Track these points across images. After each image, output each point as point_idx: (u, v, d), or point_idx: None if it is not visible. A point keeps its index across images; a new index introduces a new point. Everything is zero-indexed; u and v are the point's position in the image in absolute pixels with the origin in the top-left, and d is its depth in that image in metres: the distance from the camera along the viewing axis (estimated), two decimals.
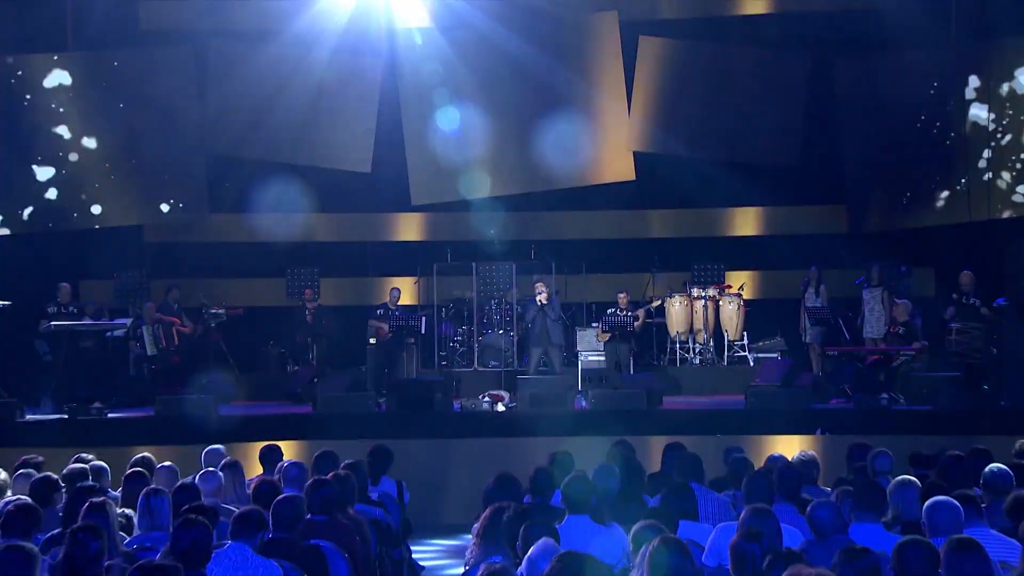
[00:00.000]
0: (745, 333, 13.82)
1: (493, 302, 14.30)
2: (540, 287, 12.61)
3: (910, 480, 5.65)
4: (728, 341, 13.76)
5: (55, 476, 6.33)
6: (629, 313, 12.84)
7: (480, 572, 4.15)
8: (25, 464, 7.02)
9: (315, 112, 14.16)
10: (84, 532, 4.41)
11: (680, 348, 13.84)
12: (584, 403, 11.48)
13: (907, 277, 13.25)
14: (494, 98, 14.27)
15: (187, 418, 10.67)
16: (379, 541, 6.09)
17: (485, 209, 14.74)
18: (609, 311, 13.02)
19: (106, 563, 4.38)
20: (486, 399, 11.34)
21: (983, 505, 5.34)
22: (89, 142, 13.69)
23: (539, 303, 12.46)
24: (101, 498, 5.14)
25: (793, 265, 14.35)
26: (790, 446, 9.40)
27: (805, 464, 6.57)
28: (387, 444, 7.28)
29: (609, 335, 12.86)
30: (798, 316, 13.33)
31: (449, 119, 14.16)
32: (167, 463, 6.94)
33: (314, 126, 14.19)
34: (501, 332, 13.99)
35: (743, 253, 15.09)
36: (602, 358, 13.15)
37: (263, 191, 14.55)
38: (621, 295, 13.07)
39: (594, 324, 13.57)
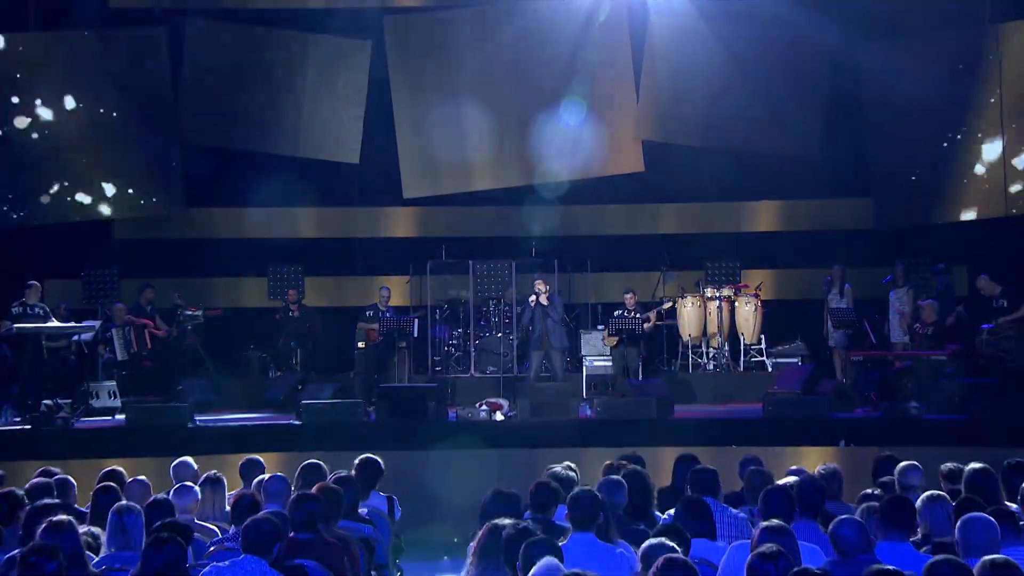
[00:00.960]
0: (763, 336, 13.82)
1: (491, 303, 14.30)
2: (539, 285, 12.56)
3: (941, 495, 5.63)
4: (744, 345, 13.74)
5: (20, 492, 6.31)
6: (637, 315, 12.82)
7: None
8: None
9: (299, 98, 14.17)
10: (37, 554, 4.36)
11: (693, 353, 13.83)
12: (589, 412, 11.47)
13: (944, 275, 13.18)
14: (491, 84, 14.26)
15: (161, 428, 10.65)
16: (368, 560, 6.08)
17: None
18: (616, 313, 13.01)
19: None
20: (483, 407, 11.32)
21: (1021, 523, 5.32)
22: (53, 131, 13.67)
23: (532, 303, 12.42)
24: (62, 516, 5.10)
25: (815, 263, 14.34)
26: (811, 458, 9.38)
27: (828, 478, 6.55)
28: (376, 456, 7.26)
29: (616, 339, 12.84)
30: (820, 318, 13.33)
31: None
32: (139, 477, 6.91)
33: (298, 113, 14.19)
34: (500, 335, 13.98)
35: (761, 250, 15.08)
36: (608, 363, 13.14)
37: (243, 183, 14.55)
38: (628, 295, 13.05)
39: (600, 327, 13.56)
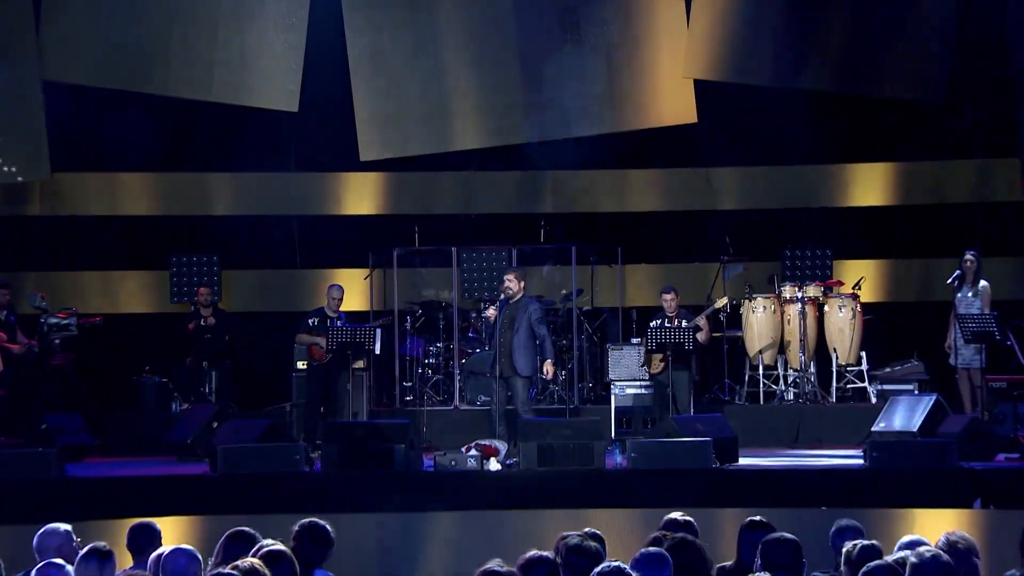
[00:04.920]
0: (864, 354, 13.81)
1: (483, 306, 14.27)
2: (510, 283, 12.43)
3: None
4: (838, 366, 13.74)
5: None
6: (683, 323, 12.80)
7: None
8: None
9: (214, 23, 14.13)
10: None
11: (765, 376, 13.82)
12: (620, 459, 11.46)
13: None
14: (485, 4, 14.24)
15: (18, 483, 10.63)
16: None
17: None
18: (654, 322, 12.96)
19: None
20: (472, 453, 11.31)
21: None
22: None
23: (490, 315, 12.40)
24: None
25: (937, 251, 14.34)
26: (934, 525, 9.36)
27: (958, 552, 6.53)
28: (323, 521, 7.25)
29: (662, 358, 12.82)
30: (945, 328, 13.30)
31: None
32: None
33: (212, 41, 14.14)
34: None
35: (861, 233, 15.06)
36: (647, 391, 13.13)
37: (134, 138, 14.51)
38: (667, 296, 13.02)
39: (634, 340, 13.53)
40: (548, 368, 12.25)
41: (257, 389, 14.03)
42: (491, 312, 12.46)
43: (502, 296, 12.35)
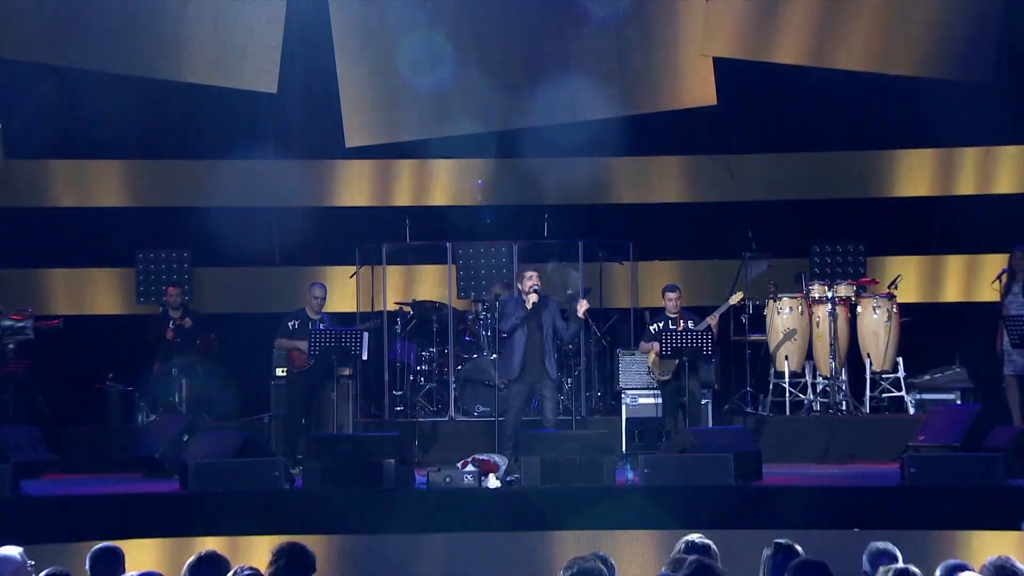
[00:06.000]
0: (900, 360, 13.79)
1: (481, 307, 14.26)
2: (533, 279, 12.41)
3: None
4: (872, 373, 13.72)
5: None
6: (690, 324, 12.77)
7: None
8: None
9: None
10: None
11: (791, 385, 13.81)
12: (632, 475, 11.46)
13: None
14: None
15: None
16: None
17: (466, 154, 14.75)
18: (654, 326, 12.90)
19: None
20: (469, 468, 11.31)
21: None
22: None
23: (530, 304, 12.33)
24: None
25: (984, 246, 14.32)
26: (978, 549, 9.37)
27: None
28: (304, 543, 7.25)
29: (674, 364, 12.79)
30: (991, 331, 13.29)
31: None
32: None
33: (181, 16, 14.13)
34: (494, 357, 13.93)
35: (899, 226, 15.02)
36: (660, 400, 13.12)
37: (95, 122, 14.49)
38: (672, 294, 12.99)
39: (644, 344, 13.51)
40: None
41: (232, 399, 13.99)
42: (534, 298, 12.35)
43: (519, 296, 12.34)
